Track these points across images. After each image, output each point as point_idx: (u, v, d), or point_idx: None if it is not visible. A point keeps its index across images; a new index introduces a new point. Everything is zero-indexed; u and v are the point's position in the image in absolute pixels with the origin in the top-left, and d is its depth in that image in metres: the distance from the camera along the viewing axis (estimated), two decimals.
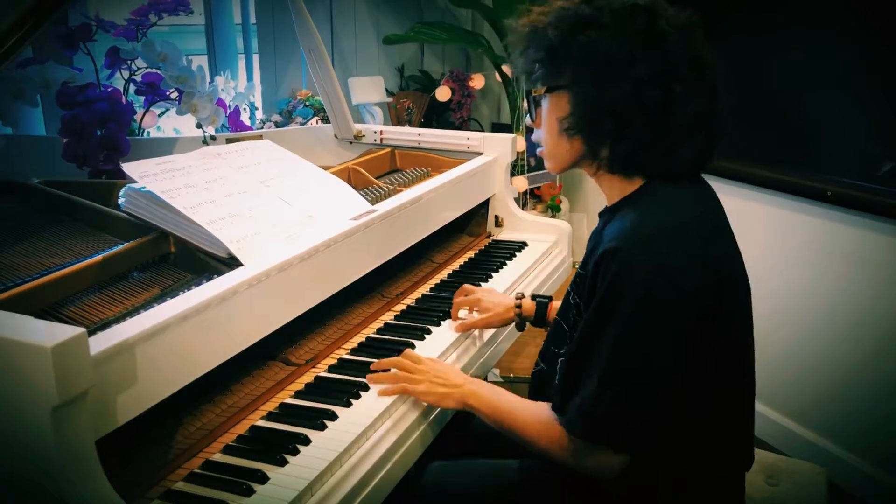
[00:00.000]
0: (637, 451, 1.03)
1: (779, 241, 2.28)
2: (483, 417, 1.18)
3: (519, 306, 1.48)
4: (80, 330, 0.81)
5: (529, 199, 3.15)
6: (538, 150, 1.19)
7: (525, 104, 1.18)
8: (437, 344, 1.40)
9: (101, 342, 0.88)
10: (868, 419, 2.09)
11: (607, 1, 1.05)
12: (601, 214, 1.17)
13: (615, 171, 1.10)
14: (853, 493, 2.11)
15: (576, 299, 1.14)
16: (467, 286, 1.54)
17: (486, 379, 1.50)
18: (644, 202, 1.07)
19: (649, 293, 0.98)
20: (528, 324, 1.51)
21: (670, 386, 1.01)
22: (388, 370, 1.25)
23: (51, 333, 0.79)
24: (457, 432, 1.35)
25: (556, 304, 1.47)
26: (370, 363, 1.30)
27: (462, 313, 1.50)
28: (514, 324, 1.51)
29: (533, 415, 1.12)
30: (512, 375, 2.79)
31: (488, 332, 1.52)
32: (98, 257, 1.22)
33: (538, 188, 3.16)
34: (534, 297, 1.50)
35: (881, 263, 2.02)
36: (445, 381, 1.21)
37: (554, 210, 3.10)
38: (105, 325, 1.08)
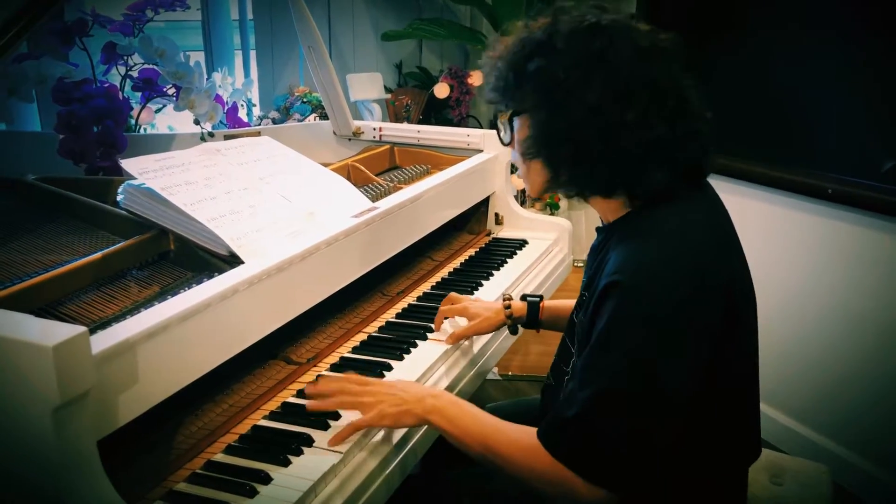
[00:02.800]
0: (638, 491, 0.97)
1: (779, 240, 2.27)
2: (447, 437, 1.06)
3: (508, 307, 1.42)
4: (82, 329, 0.79)
5: (528, 196, 3.14)
6: (517, 173, 1.18)
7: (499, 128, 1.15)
8: (438, 346, 1.38)
9: (102, 341, 0.87)
10: (869, 418, 2.09)
11: (566, 23, 1.03)
12: (599, 231, 1.15)
13: (586, 195, 1.08)
14: (854, 492, 2.11)
15: (581, 318, 1.11)
16: (453, 295, 1.47)
17: (485, 379, 1.47)
18: (642, 227, 1.03)
19: (653, 327, 0.95)
20: (519, 326, 1.46)
21: (677, 417, 0.97)
22: (327, 396, 1.11)
23: (52, 332, 0.78)
24: None
25: (548, 303, 1.44)
26: (372, 362, 1.29)
27: (448, 324, 1.44)
28: (506, 328, 1.45)
29: (514, 438, 1.02)
30: (510, 374, 2.79)
31: (485, 337, 1.48)
32: (97, 255, 1.20)
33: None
34: (523, 297, 1.46)
35: (881, 261, 2.02)
36: (403, 397, 1.08)
37: (553, 208, 3.09)
38: (104, 324, 1.07)
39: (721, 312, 0.99)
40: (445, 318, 1.44)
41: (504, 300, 1.44)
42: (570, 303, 1.42)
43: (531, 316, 1.44)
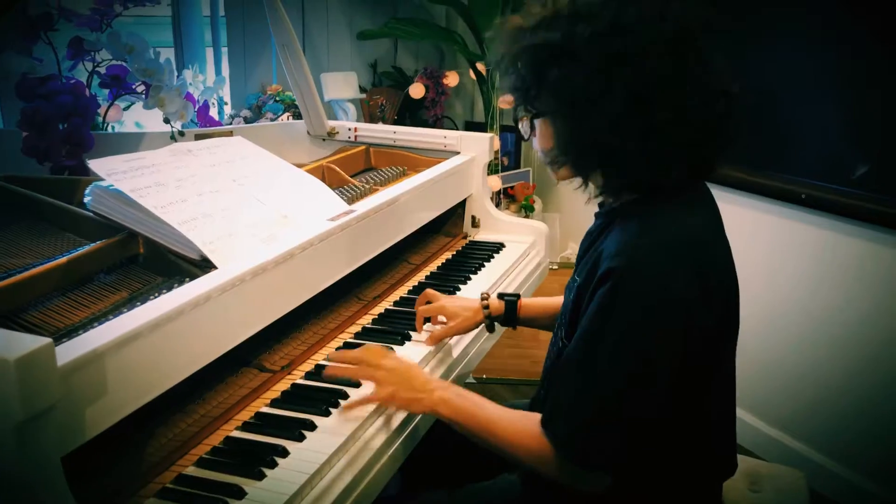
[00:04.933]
0: (627, 469, 1.01)
1: (753, 245, 2.29)
2: (455, 426, 1.10)
3: (487, 307, 1.41)
4: (47, 340, 0.75)
5: (503, 198, 3.13)
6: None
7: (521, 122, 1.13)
8: (418, 348, 1.36)
9: (68, 352, 0.83)
10: (849, 426, 2.10)
11: (583, 20, 0.97)
12: (597, 216, 1.14)
13: (610, 194, 1.08)
14: (834, 500, 2.12)
15: (572, 298, 1.10)
16: (429, 291, 1.45)
17: (463, 384, 1.46)
18: (643, 215, 1.03)
19: (646, 313, 0.95)
20: (496, 324, 1.45)
21: (662, 403, 0.99)
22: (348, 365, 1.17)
23: (14, 344, 0.74)
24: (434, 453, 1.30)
25: (525, 300, 1.43)
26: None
27: (428, 325, 1.43)
28: (483, 326, 1.44)
29: (518, 427, 1.06)
30: (485, 377, 2.77)
31: (463, 342, 1.46)
32: (62, 259, 1.16)
33: (511, 188, 3.14)
34: (500, 295, 1.44)
35: (855, 267, 2.04)
36: (416, 385, 1.12)
37: (527, 210, 3.09)
38: (71, 332, 1.03)
39: (708, 304, 0.99)
40: (425, 319, 1.42)
41: (482, 298, 1.43)
42: (546, 300, 1.43)
43: (509, 313, 1.43)
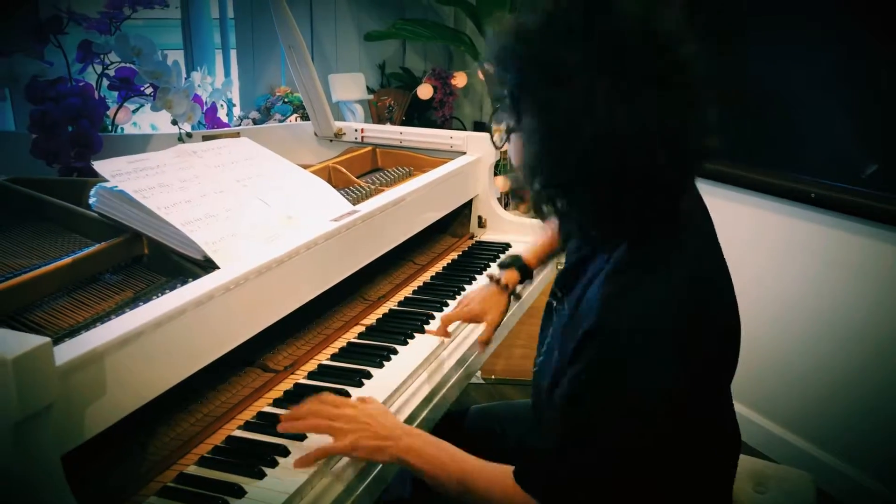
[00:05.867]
0: None
1: (762, 243, 2.27)
2: (422, 475, 1.01)
3: (506, 286, 1.41)
4: (45, 340, 0.76)
5: (511, 198, 3.12)
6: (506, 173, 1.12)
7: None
8: (422, 348, 1.36)
9: (67, 351, 0.83)
10: (857, 425, 2.09)
11: (588, 39, 0.86)
12: (569, 253, 1.12)
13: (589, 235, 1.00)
14: (841, 500, 2.10)
15: (558, 307, 1.08)
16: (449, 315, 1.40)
17: (469, 382, 1.46)
18: (629, 265, 0.95)
19: (631, 385, 0.90)
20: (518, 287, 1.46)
21: (653, 473, 0.94)
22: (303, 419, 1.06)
23: (12, 343, 0.74)
24: None
25: (527, 255, 1.46)
26: (351, 369, 1.26)
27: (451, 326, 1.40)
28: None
29: (491, 482, 0.98)
30: (493, 377, 2.77)
31: (475, 333, 1.46)
32: (67, 259, 1.17)
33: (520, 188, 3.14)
34: (502, 265, 1.45)
35: (863, 266, 2.02)
36: (380, 433, 1.02)
37: None
38: (75, 331, 1.03)
39: (703, 356, 0.93)
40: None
41: (492, 280, 1.43)
42: (542, 243, 1.48)
43: (525, 275, 1.45)
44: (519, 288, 1.45)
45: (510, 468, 0.99)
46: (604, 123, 0.85)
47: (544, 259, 1.50)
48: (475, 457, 1.02)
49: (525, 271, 1.45)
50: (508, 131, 0.98)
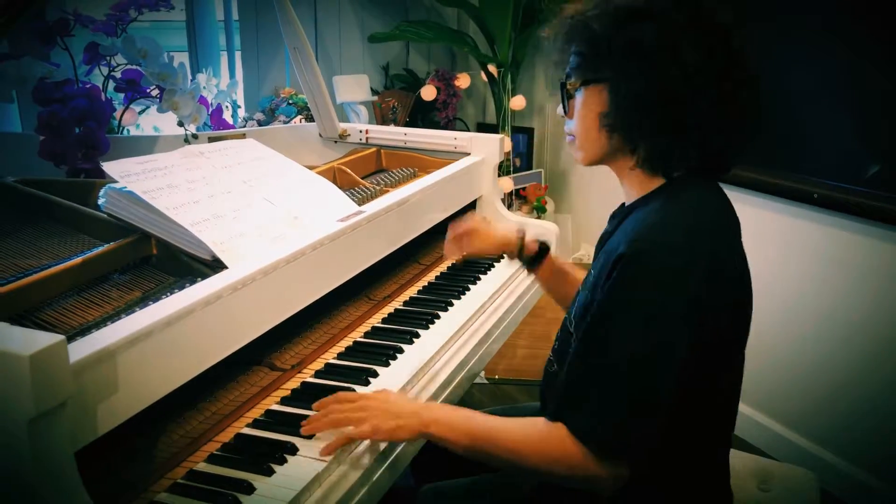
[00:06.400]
0: (641, 460, 0.99)
1: (764, 244, 2.28)
2: (449, 444, 1.04)
3: (522, 238, 1.49)
4: (60, 337, 0.77)
5: (515, 199, 3.14)
6: (567, 139, 1.15)
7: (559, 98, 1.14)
8: (428, 347, 1.37)
9: (81, 349, 0.85)
10: (860, 425, 2.09)
11: None
12: (613, 217, 1.15)
13: (646, 168, 1.07)
14: (844, 499, 2.11)
15: (585, 294, 1.10)
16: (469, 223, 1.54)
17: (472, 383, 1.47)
18: (662, 200, 1.04)
19: (662, 297, 0.95)
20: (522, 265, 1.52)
21: (675, 389, 0.97)
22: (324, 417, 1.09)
23: (28, 341, 0.76)
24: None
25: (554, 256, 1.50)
26: (357, 368, 1.28)
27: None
28: (508, 254, 1.53)
29: (524, 432, 1.02)
30: (497, 377, 2.78)
31: (480, 333, 1.49)
32: (77, 259, 1.18)
33: (524, 189, 3.15)
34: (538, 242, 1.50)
35: (866, 265, 2.03)
36: (397, 412, 1.05)
37: (539, 211, 3.09)
38: (85, 330, 1.04)
39: (724, 291, 0.99)
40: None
41: (519, 232, 1.51)
42: (571, 266, 1.49)
43: (538, 258, 1.48)
44: (526, 253, 1.50)
45: (536, 419, 1.02)
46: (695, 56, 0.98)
47: (557, 270, 1.48)
48: (496, 416, 1.06)
49: (543, 252, 1.48)
50: (585, 83, 1.06)
